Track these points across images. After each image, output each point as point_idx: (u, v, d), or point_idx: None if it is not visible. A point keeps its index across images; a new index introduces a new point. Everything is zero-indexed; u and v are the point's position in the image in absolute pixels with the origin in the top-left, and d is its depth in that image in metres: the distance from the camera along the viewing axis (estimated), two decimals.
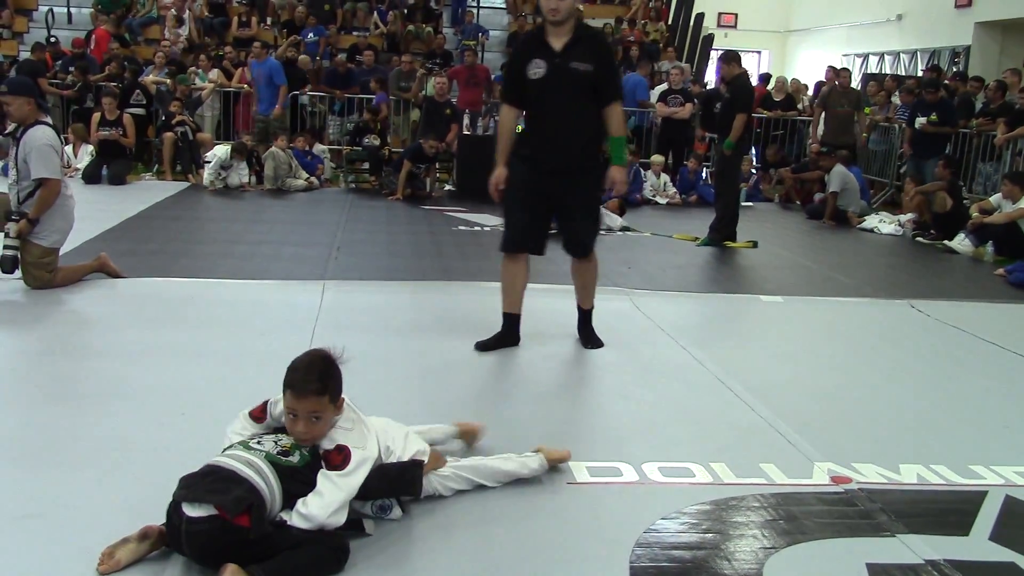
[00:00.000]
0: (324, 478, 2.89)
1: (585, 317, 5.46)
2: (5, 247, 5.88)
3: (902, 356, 5.67)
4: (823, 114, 13.19)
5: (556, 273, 7.50)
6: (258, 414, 3.14)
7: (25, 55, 14.92)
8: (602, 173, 5.02)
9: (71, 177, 6.46)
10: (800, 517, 3.33)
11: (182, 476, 2.83)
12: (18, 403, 4.09)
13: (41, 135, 5.89)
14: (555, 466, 3.57)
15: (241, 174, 11.75)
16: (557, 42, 4.84)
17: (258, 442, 2.97)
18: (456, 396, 4.40)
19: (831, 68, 15.77)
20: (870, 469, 3.77)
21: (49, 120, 6.19)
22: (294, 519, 2.81)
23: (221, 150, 11.94)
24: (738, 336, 6.21)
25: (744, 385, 4.75)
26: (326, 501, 2.83)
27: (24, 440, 3.68)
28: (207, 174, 11.73)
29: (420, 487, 3.19)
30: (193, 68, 13.99)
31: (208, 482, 2.75)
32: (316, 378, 2.95)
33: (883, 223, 11.01)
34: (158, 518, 2.80)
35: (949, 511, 3.46)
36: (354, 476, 2.93)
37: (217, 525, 2.66)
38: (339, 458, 2.93)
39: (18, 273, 5.97)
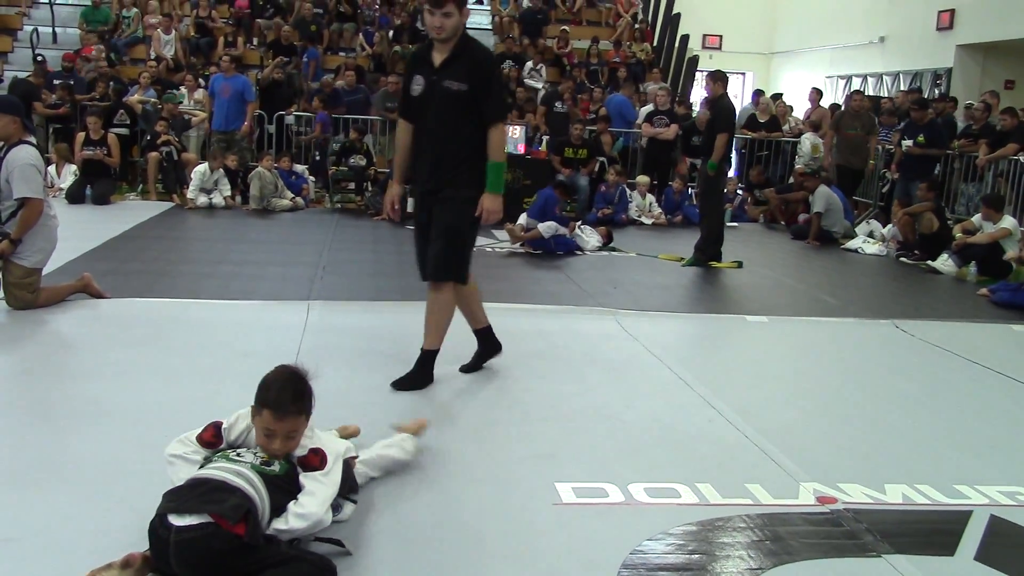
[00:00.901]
0: (309, 479, 2.99)
1: (422, 358, 4.85)
2: None
3: (887, 376, 5.68)
4: (835, 137, 13.01)
5: (540, 293, 7.52)
6: (209, 439, 3.13)
7: (10, 75, 14.87)
8: (475, 199, 4.66)
9: (54, 197, 6.43)
10: (786, 538, 3.32)
11: (166, 492, 2.81)
12: None
13: (24, 155, 5.86)
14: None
15: (224, 191, 11.77)
16: (438, 58, 4.63)
17: (238, 454, 2.98)
18: (440, 416, 4.38)
19: (815, 90, 15.88)
20: (856, 489, 3.77)
21: (33, 140, 6.16)
22: (290, 521, 2.85)
23: (202, 168, 11.91)
24: (724, 356, 6.21)
25: (730, 405, 4.75)
26: (319, 498, 2.95)
27: (3, 461, 3.63)
28: (191, 190, 11.73)
29: (357, 483, 3.35)
30: (175, 90, 13.98)
31: (199, 493, 2.75)
32: (295, 399, 3.02)
33: (867, 243, 11.07)
34: (140, 542, 2.77)
35: (935, 531, 3.46)
36: (334, 473, 3.08)
37: (210, 531, 2.65)
38: (317, 459, 3.06)
39: (0, 293, 5.92)
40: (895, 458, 4.20)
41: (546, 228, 9.52)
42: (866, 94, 15.70)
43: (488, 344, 5.22)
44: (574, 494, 3.59)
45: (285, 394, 3.00)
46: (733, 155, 13.30)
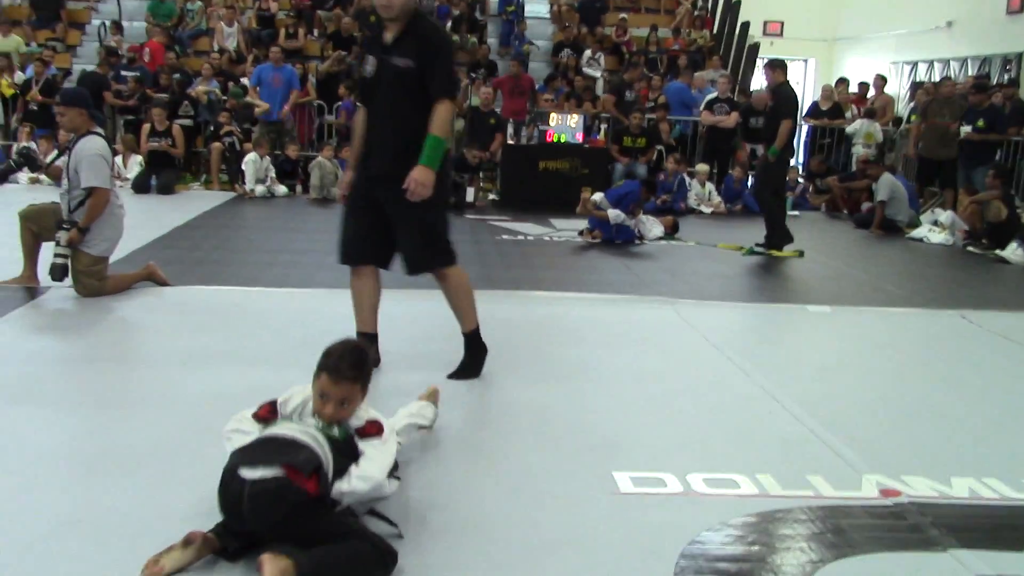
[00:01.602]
0: (369, 446, 3.03)
1: (468, 342, 4.85)
2: (56, 255, 5.98)
3: (953, 367, 5.56)
4: (921, 126, 12.50)
5: (598, 282, 7.49)
6: (265, 415, 3.16)
7: (78, 67, 15.20)
8: (440, 183, 4.52)
9: (121, 187, 6.57)
10: (848, 530, 3.27)
11: (234, 451, 2.87)
12: (68, 410, 4.14)
13: (92, 145, 6.00)
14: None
15: (272, 176, 12.04)
16: (388, 36, 4.46)
17: (299, 418, 3.06)
18: (495, 403, 4.39)
19: (879, 76, 15.58)
20: (921, 482, 3.70)
21: (101, 131, 6.30)
22: (352, 483, 2.88)
23: (252, 156, 12.06)
24: (785, 346, 6.14)
25: (791, 396, 4.69)
26: (379, 464, 2.97)
27: (72, 446, 3.73)
28: (248, 180, 11.92)
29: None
30: (235, 82, 14.16)
31: (270, 448, 2.82)
32: (352, 366, 3.07)
33: (933, 232, 10.85)
34: (205, 525, 2.82)
35: (1003, 526, 3.38)
36: (391, 443, 3.11)
37: (283, 483, 2.70)
38: (374, 429, 3.10)
39: (68, 281, 6.06)
40: (961, 451, 4.11)
41: (615, 215, 9.49)
42: (934, 81, 15.35)
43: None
44: (632, 484, 3.57)
45: (344, 361, 3.07)
46: (800, 143, 13.11)
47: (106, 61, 14.30)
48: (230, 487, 2.77)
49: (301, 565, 2.60)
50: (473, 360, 4.83)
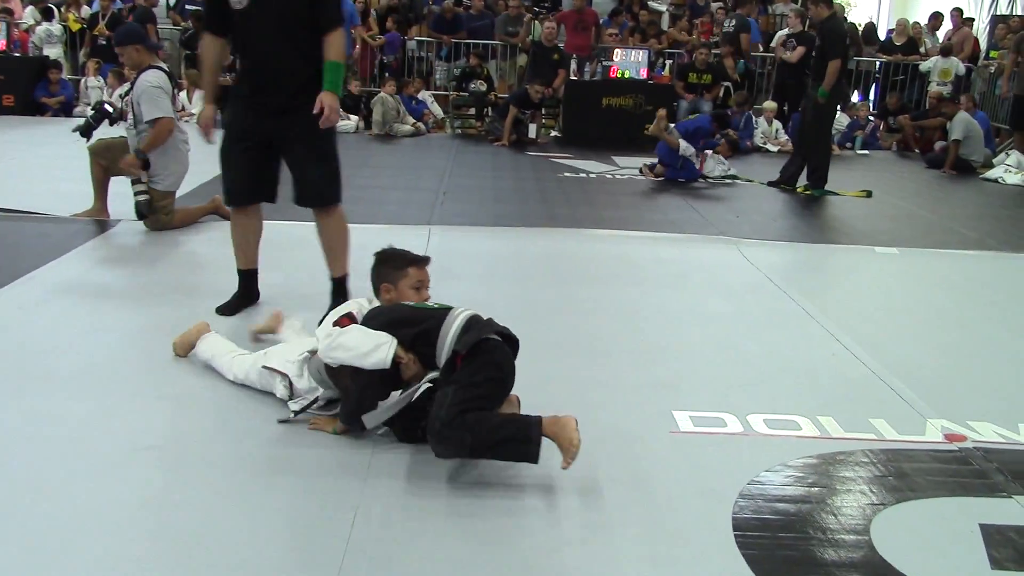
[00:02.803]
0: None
1: (336, 287, 4.65)
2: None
3: None
4: (1016, 61, 11.76)
5: (661, 221, 7.42)
6: (347, 324, 3.25)
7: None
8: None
9: (187, 122, 6.63)
10: (911, 474, 3.24)
11: (463, 335, 3.12)
12: (138, 340, 4.25)
13: (151, 78, 6.07)
14: None
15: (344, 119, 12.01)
16: None
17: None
18: (557, 341, 4.40)
19: (956, 10, 15.01)
20: (987, 428, 3.64)
21: (162, 64, 6.36)
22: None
23: None
24: (850, 288, 6.04)
25: (855, 338, 4.63)
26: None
27: (146, 377, 3.83)
28: None
29: None
30: None
31: (483, 324, 3.22)
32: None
33: (1009, 173, 10.52)
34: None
35: None
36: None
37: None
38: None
39: (133, 214, 6.18)
40: None
41: (685, 147, 9.32)
42: (1016, 14, 14.72)
43: (250, 290, 4.81)
44: (692, 423, 3.57)
45: (410, 252, 3.62)
46: (872, 80, 12.61)
47: None
48: (506, 353, 3.17)
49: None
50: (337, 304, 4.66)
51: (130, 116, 6.22)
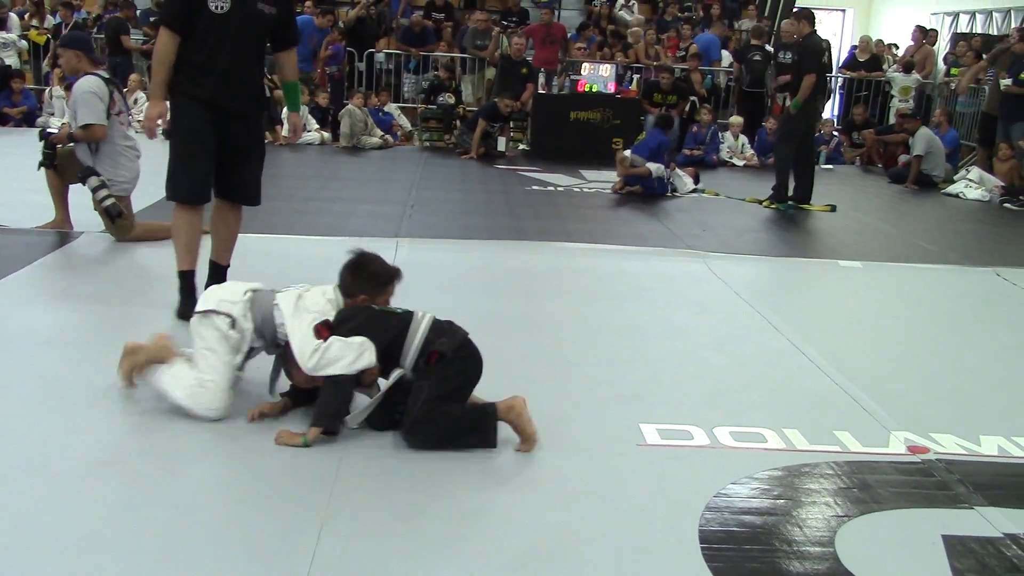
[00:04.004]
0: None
1: (224, 275, 4.89)
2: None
3: (985, 325, 5.51)
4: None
5: (628, 234, 7.46)
6: (327, 334, 3.37)
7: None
8: (263, 117, 5.00)
9: (136, 131, 6.54)
10: (874, 486, 3.27)
11: (440, 337, 3.37)
12: (99, 353, 4.20)
13: (85, 84, 6.00)
14: None
15: (310, 126, 11.98)
16: None
17: None
18: (521, 355, 4.40)
19: (919, 28, 15.25)
20: (949, 439, 3.68)
21: (101, 72, 6.25)
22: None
23: None
24: (814, 301, 6.10)
25: (819, 351, 4.67)
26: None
27: (102, 386, 3.79)
28: (284, 127, 11.90)
29: None
30: None
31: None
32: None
33: (969, 188, 10.67)
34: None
35: None
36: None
37: None
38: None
39: (102, 227, 6.11)
40: (992, 409, 4.08)
41: (656, 168, 9.40)
42: (976, 33, 14.96)
43: (194, 289, 4.83)
44: (659, 436, 3.58)
45: (386, 265, 3.69)
46: (834, 96, 12.78)
47: (128, 4, 14.25)
48: (475, 355, 3.45)
49: None
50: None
51: (71, 121, 6.13)
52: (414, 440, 3.29)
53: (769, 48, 13.47)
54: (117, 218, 6.06)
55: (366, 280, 3.61)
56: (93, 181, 5.99)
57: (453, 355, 3.35)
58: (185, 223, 4.76)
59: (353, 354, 3.28)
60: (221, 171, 4.74)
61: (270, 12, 4.56)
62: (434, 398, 3.27)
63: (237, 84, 4.56)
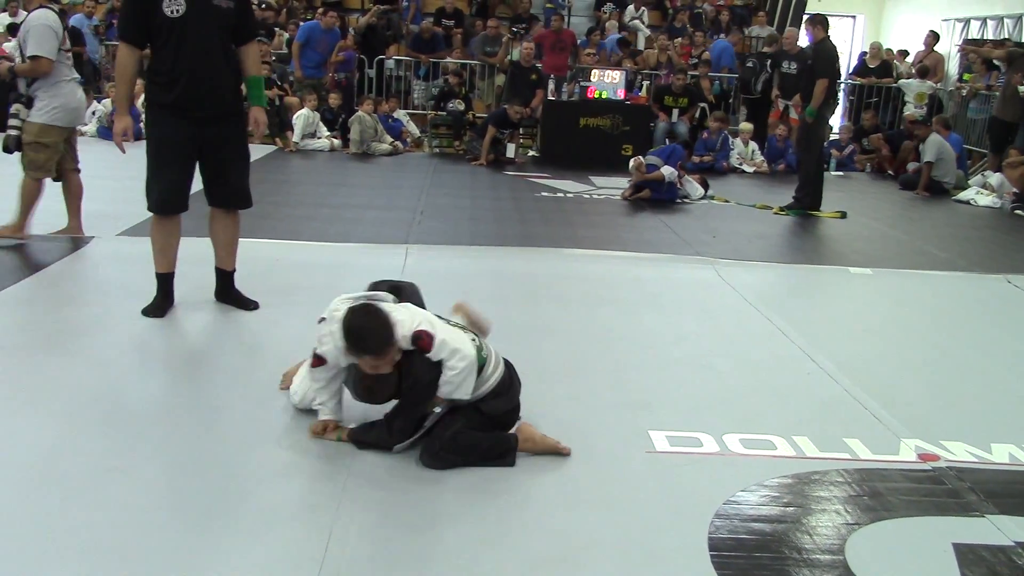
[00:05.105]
0: None
1: (231, 280, 5.02)
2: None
3: (996, 332, 5.49)
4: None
5: (637, 241, 7.46)
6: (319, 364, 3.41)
7: None
8: (246, 115, 4.80)
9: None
10: (885, 494, 3.26)
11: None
12: (104, 361, 4.22)
13: (41, 16, 5.83)
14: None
15: (321, 133, 12.02)
16: None
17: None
18: (532, 362, 4.39)
19: (931, 33, 15.22)
20: (959, 447, 3.67)
21: (52, 6, 6.04)
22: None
23: (305, 112, 12.08)
24: (825, 308, 6.08)
25: (830, 358, 4.66)
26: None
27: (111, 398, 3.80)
28: (296, 135, 11.93)
29: None
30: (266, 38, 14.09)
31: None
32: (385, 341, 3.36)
33: (980, 195, 10.64)
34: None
35: None
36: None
37: None
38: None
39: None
40: (1002, 417, 4.06)
41: (669, 173, 9.43)
42: (987, 39, 14.90)
43: (171, 292, 4.92)
44: (668, 443, 3.58)
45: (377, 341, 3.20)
46: (842, 100, 12.76)
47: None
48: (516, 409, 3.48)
49: None
50: (240, 299, 5.00)
51: (17, 56, 6.02)
52: (437, 464, 3.24)
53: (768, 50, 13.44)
54: (9, 151, 5.96)
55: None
56: (17, 108, 5.89)
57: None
58: (158, 231, 4.83)
59: (466, 380, 3.30)
60: (207, 178, 4.79)
61: (227, 6, 4.53)
62: (464, 430, 3.28)
63: (205, 86, 4.53)
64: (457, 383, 3.26)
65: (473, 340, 3.38)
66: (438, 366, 3.24)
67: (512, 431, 3.41)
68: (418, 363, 3.23)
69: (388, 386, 3.28)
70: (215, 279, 5.01)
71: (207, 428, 3.48)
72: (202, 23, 4.45)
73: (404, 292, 3.62)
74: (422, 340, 3.23)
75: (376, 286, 3.62)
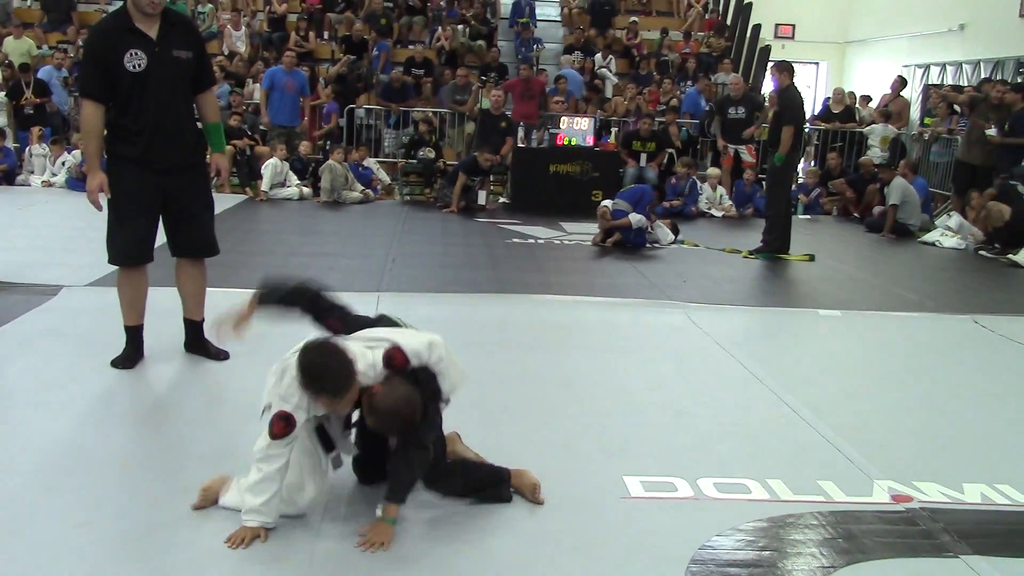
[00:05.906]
0: None
1: (200, 330, 4.98)
2: None
3: (965, 372, 5.54)
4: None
5: (608, 286, 7.49)
6: (282, 432, 3.05)
7: None
8: (207, 164, 4.90)
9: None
10: (859, 536, 3.26)
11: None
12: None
13: None
14: None
15: (291, 182, 12.03)
16: (151, 30, 4.47)
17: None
18: (506, 406, 4.39)
19: (899, 78, 15.52)
20: (932, 488, 3.69)
21: None
22: None
23: (274, 162, 12.08)
24: (795, 351, 6.12)
25: (802, 400, 4.68)
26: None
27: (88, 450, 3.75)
28: (265, 183, 11.91)
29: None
30: (238, 88, 14.15)
31: None
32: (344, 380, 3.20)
33: (945, 236, 10.79)
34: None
35: (1016, 532, 3.37)
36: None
37: None
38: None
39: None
40: (974, 457, 4.09)
41: (637, 220, 9.44)
42: (948, 84, 15.22)
43: (141, 344, 4.90)
44: (643, 488, 3.57)
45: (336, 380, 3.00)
46: (811, 146, 12.96)
47: None
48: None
49: None
50: (208, 348, 4.95)
51: None
52: (439, 490, 3.28)
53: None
54: None
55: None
56: None
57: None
58: (125, 283, 4.82)
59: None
60: (172, 229, 4.79)
61: (187, 57, 4.58)
62: (440, 453, 3.27)
63: (169, 138, 4.58)
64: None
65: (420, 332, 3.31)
66: (436, 422, 3.21)
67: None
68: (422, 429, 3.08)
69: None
70: (184, 330, 4.97)
71: (171, 482, 3.43)
72: (163, 76, 4.50)
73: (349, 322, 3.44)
74: (395, 360, 3.05)
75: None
